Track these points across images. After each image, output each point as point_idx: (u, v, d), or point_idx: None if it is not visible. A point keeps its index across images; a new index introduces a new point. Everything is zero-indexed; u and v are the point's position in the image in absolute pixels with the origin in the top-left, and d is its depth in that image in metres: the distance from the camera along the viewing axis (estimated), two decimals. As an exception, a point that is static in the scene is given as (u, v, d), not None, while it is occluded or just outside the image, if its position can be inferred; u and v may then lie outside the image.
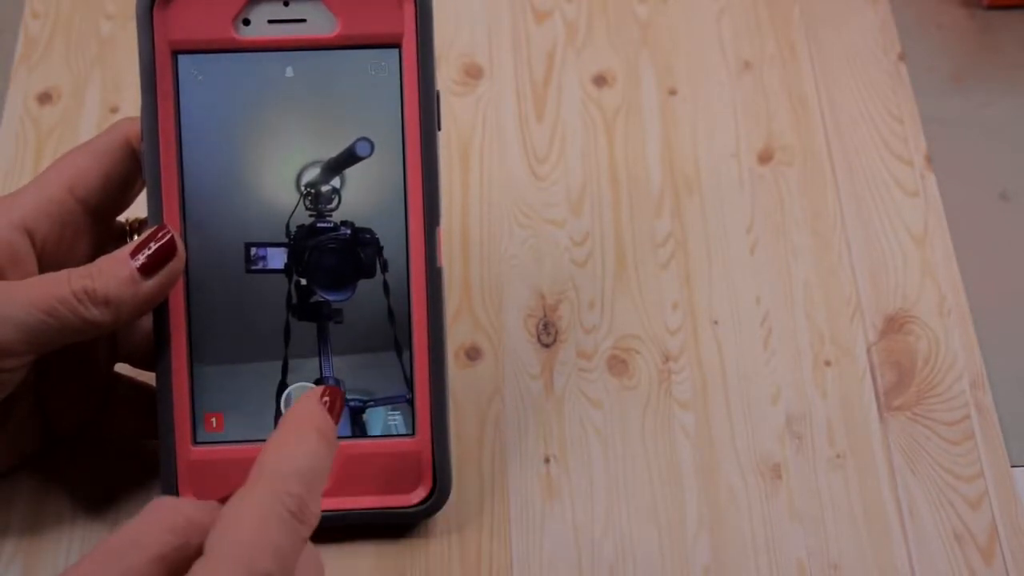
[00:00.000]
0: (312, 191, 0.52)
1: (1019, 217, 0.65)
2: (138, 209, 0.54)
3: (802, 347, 0.60)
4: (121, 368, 0.56)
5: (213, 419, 0.52)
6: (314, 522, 0.43)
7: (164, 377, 0.52)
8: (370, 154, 0.52)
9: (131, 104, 0.66)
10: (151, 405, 0.53)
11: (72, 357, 0.53)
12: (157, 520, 0.42)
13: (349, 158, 0.52)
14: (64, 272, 0.49)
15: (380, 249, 0.52)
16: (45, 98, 0.67)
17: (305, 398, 0.47)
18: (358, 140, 0.52)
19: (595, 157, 0.65)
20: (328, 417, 0.46)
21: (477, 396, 0.58)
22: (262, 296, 0.52)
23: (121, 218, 0.55)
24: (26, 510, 0.55)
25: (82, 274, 0.48)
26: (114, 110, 0.67)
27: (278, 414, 0.52)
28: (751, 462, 0.56)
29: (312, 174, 0.52)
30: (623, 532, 0.55)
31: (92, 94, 0.67)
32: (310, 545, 0.44)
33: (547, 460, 0.57)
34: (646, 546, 0.54)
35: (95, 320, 0.48)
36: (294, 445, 0.44)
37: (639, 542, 0.54)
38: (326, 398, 0.47)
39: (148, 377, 0.54)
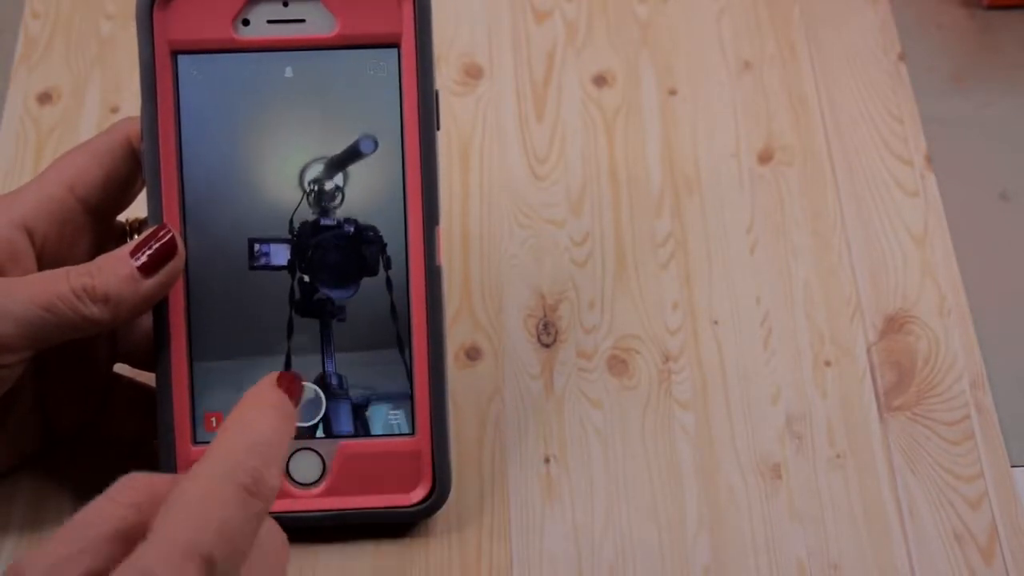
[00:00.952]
0: (316, 188, 0.52)
1: (1019, 217, 0.65)
2: (138, 209, 0.54)
3: (802, 347, 0.60)
4: (121, 368, 0.56)
5: (213, 419, 0.52)
6: (270, 496, 0.41)
7: (164, 377, 0.52)
8: (373, 151, 0.52)
9: (131, 104, 0.66)
10: (151, 405, 0.52)
11: (71, 356, 0.53)
12: (120, 495, 0.41)
13: (352, 155, 0.52)
14: (64, 269, 0.49)
15: (384, 247, 0.52)
16: (45, 98, 0.67)
17: (262, 381, 0.45)
18: (361, 137, 0.52)
19: (595, 157, 0.65)
20: (284, 396, 0.44)
21: (477, 396, 0.58)
22: (265, 292, 0.52)
23: (121, 217, 0.55)
24: (26, 510, 0.55)
25: (82, 271, 0.48)
26: (114, 110, 0.67)
27: (278, 413, 0.52)
28: (751, 462, 0.56)
29: (315, 171, 0.52)
30: (623, 532, 0.55)
31: (92, 94, 0.67)
32: (271, 522, 0.42)
33: (547, 460, 0.57)
34: (646, 546, 0.54)
35: (94, 317, 0.48)
36: (249, 420, 0.43)
37: (639, 542, 0.54)
38: (284, 381, 0.45)
39: (148, 378, 0.54)
